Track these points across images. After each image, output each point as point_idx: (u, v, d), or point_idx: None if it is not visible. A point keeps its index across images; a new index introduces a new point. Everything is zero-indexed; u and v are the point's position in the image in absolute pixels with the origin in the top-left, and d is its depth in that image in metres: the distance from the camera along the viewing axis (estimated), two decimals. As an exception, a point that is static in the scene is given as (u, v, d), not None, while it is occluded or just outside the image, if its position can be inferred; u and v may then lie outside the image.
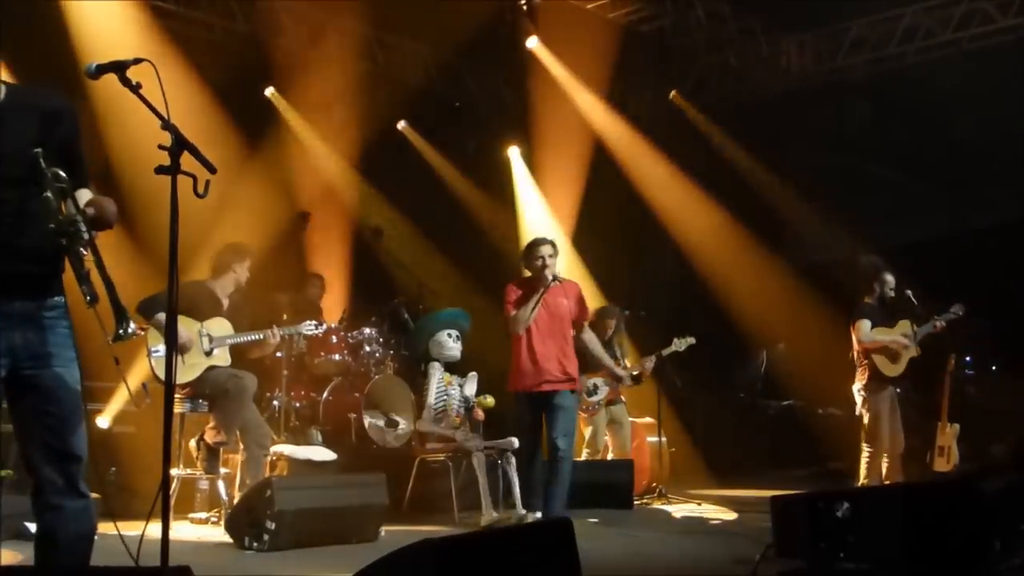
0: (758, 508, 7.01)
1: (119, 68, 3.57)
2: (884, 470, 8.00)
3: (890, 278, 8.11)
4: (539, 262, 7.01)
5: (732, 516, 7.28)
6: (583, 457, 9.32)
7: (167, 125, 3.43)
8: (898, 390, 8.10)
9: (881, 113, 12.23)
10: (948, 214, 12.48)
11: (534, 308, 6.97)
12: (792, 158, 11.99)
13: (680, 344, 9.31)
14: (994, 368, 11.09)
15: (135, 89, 3.49)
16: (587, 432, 9.40)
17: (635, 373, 9.41)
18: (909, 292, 8.06)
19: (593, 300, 10.16)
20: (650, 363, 9.47)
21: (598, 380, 9.35)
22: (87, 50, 8.45)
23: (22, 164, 3.43)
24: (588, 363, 9.37)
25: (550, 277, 6.96)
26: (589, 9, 11.07)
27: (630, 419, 10.28)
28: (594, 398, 9.33)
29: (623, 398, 9.59)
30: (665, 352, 9.43)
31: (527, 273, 7.23)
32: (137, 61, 3.55)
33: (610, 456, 9.42)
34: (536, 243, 7.17)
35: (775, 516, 4.71)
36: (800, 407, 12.35)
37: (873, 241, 11.05)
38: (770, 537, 4.78)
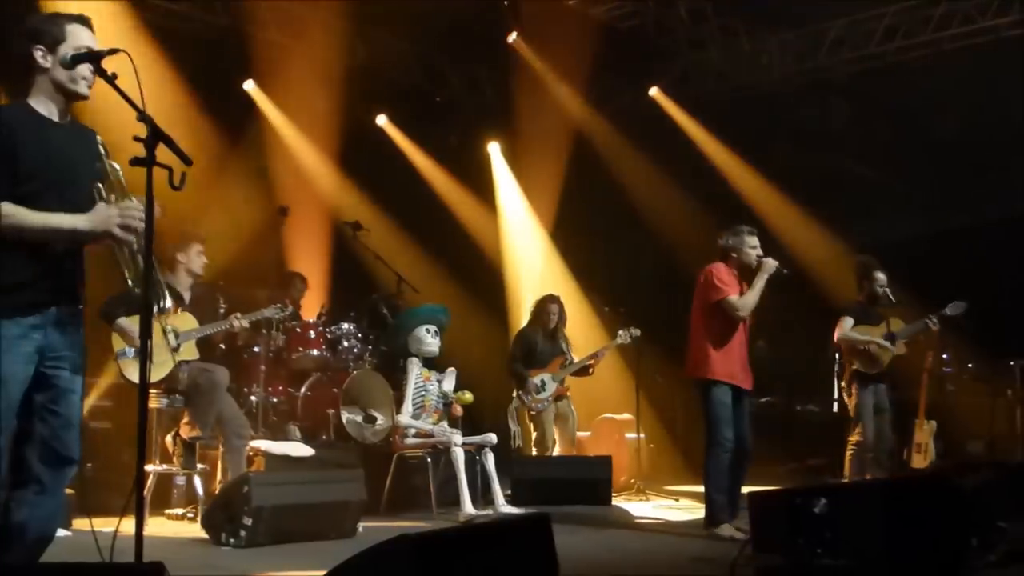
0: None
1: (94, 58, 3.56)
2: (868, 467, 8.02)
3: (880, 276, 8.11)
4: (755, 252, 6.92)
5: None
6: (533, 454, 9.34)
7: (143, 116, 3.42)
8: (882, 386, 8.08)
9: (862, 112, 12.26)
10: (929, 213, 12.52)
11: (760, 293, 6.82)
12: (773, 156, 12.01)
13: (624, 337, 9.33)
14: (971, 366, 11.14)
15: (110, 79, 3.48)
16: (534, 431, 9.38)
17: (587, 364, 9.43)
18: (888, 290, 8.08)
19: (569, 297, 10.18)
20: (600, 355, 9.49)
21: (545, 376, 9.33)
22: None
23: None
24: (536, 360, 9.41)
25: (775, 265, 6.84)
26: (570, 5, 11.05)
27: (609, 415, 10.31)
28: (543, 395, 9.30)
29: (568, 392, 9.58)
30: (611, 346, 9.45)
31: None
32: (113, 51, 3.55)
33: (557, 451, 9.41)
34: (745, 231, 7.01)
35: (753, 512, 4.72)
36: (779, 404, 12.39)
37: (853, 239, 11.09)
38: (748, 533, 4.79)
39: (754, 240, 6.99)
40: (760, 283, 6.82)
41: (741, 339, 6.93)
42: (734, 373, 6.82)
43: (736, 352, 6.88)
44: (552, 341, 9.56)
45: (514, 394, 9.48)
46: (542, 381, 9.31)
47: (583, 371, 9.50)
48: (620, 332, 9.39)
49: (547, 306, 9.59)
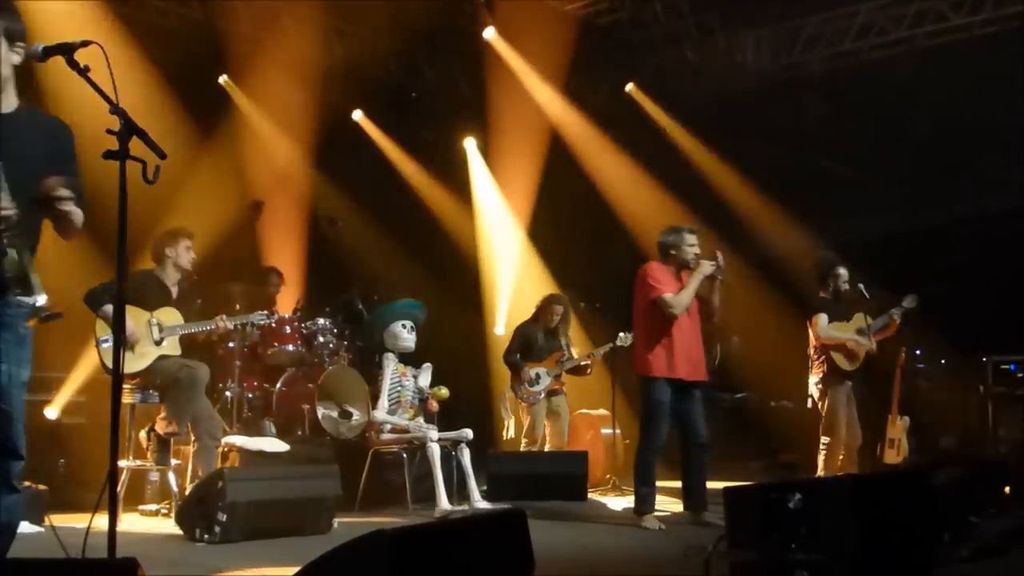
0: (711, 499, 7.04)
1: (66, 50, 3.53)
2: (840, 462, 8.08)
3: (844, 272, 8.19)
4: (693, 250, 7.13)
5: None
6: (521, 447, 9.37)
7: (116, 109, 3.39)
8: (850, 383, 8.17)
9: (837, 109, 12.33)
10: (903, 210, 12.60)
11: (694, 291, 7.02)
12: (747, 152, 12.05)
13: (625, 339, 9.32)
14: (944, 362, 11.22)
15: (83, 72, 3.45)
16: (526, 422, 9.42)
17: (583, 363, 9.46)
18: (861, 286, 8.13)
19: (545, 293, 10.18)
20: (598, 354, 9.51)
21: (540, 370, 9.38)
22: (35, 33, 8.31)
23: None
24: (533, 354, 9.45)
25: (711, 268, 7.03)
26: (546, 1, 11.05)
27: (586, 411, 10.31)
28: (536, 387, 9.34)
29: (563, 389, 9.60)
30: (608, 347, 9.46)
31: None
32: (85, 43, 3.52)
33: (547, 446, 9.43)
34: (685, 230, 7.25)
35: (727, 507, 4.72)
36: (753, 400, 12.44)
37: (828, 236, 11.14)
38: (722, 528, 4.80)
39: (692, 239, 7.19)
40: (694, 282, 7.02)
41: (686, 333, 7.09)
42: (676, 367, 7.00)
43: (679, 346, 7.03)
44: (552, 338, 9.60)
45: (509, 385, 9.54)
46: (536, 374, 9.35)
47: (580, 370, 9.52)
48: (621, 334, 9.34)
49: (551, 307, 9.62)
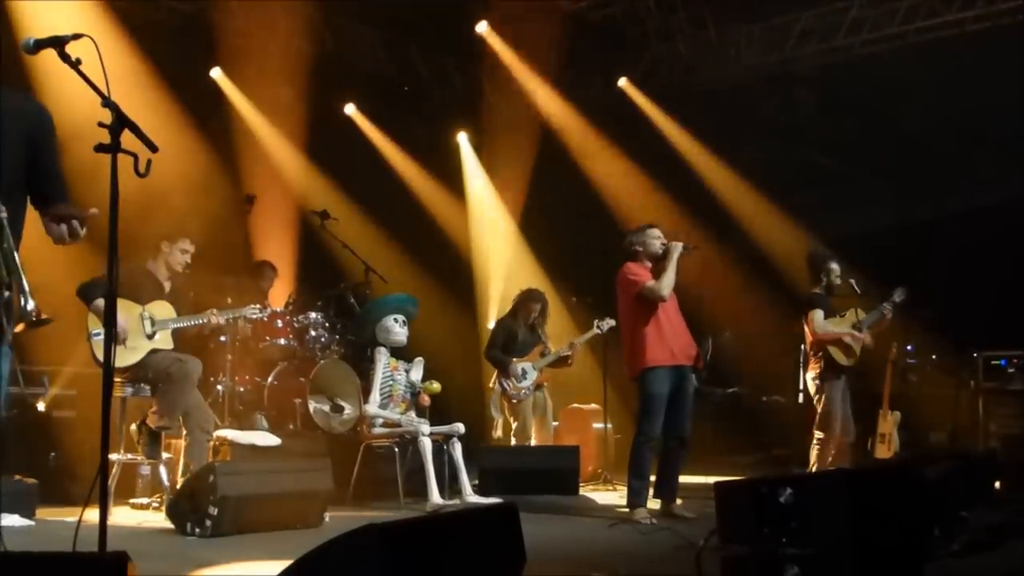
0: (702, 494, 7.05)
1: (58, 43, 3.53)
2: (832, 457, 8.09)
3: (836, 267, 8.20)
4: (658, 241, 7.24)
5: (676, 502, 7.34)
6: (513, 444, 9.37)
7: (108, 102, 3.39)
8: (845, 378, 8.17)
9: (828, 104, 12.35)
10: (893, 205, 12.63)
11: (674, 272, 7.10)
12: (740, 147, 12.07)
13: (602, 326, 9.33)
14: (935, 357, 11.24)
15: (74, 65, 3.45)
16: (513, 421, 9.40)
17: (565, 354, 9.46)
18: (852, 281, 8.14)
19: (537, 286, 10.19)
20: (578, 343, 9.51)
21: (526, 365, 9.37)
22: (26, 25, 8.30)
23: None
24: (516, 349, 9.44)
25: (681, 246, 7.14)
26: (539, -5, 11.08)
27: (577, 405, 10.32)
28: (524, 383, 9.33)
29: (546, 383, 9.60)
30: (586, 336, 9.47)
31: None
32: (77, 36, 3.51)
33: (533, 441, 9.43)
34: (648, 227, 7.39)
35: (719, 501, 4.73)
36: (745, 394, 12.45)
37: (819, 231, 11.16)
38: (713, 522, 4.81)
39: (656, 232, 7.33)
40: (672, 265, 7.12)
41: (673, 320, 7.20)
42: (673, 353, 7.09)
43: (670, 333, 7.13)
44: (532, 333, 9.62)
45: (492, 383, 9.52)
46: (523, 370, 9.35)
47: (562, 361, 9.53)
48: (596, 322, 9.37)
49: (530, 304, 9.63)
